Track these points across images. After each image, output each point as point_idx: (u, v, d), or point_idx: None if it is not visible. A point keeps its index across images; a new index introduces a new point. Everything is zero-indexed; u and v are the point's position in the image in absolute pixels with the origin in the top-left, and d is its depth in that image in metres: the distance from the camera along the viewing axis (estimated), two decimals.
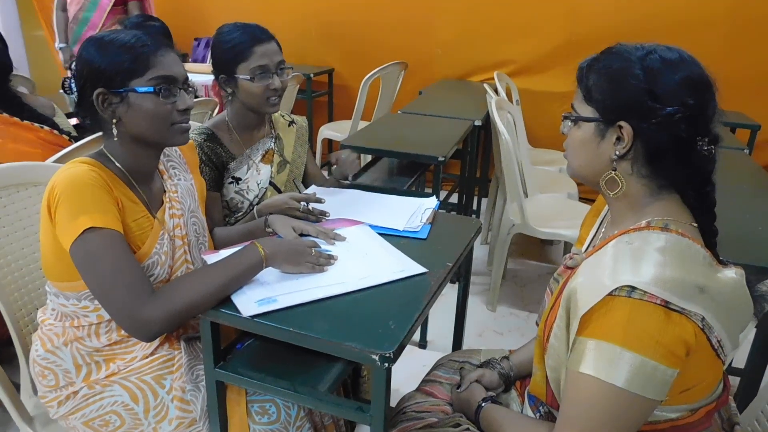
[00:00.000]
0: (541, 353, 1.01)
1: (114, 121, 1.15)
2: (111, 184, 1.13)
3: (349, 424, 1.40)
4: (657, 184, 0.92)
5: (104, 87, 1.12)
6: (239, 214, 1.64)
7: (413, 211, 1.54)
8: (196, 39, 4.26)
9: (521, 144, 2.79)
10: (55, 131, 1.88)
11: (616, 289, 0.82)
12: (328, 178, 1.77)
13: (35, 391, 1.35)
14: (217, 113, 2.89)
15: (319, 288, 1.14)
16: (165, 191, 1.29)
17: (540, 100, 3.56)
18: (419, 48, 3.88)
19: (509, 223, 2.51)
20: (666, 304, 0.80)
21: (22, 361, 1.37)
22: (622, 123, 0.89)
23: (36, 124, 1.83)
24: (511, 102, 3.27)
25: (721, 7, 3.25)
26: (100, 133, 1.69)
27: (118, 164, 1.19)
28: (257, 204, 1.65)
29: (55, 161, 1.60)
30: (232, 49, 1.52)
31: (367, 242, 1.36)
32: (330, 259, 1.24)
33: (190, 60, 3.76)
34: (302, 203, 1.47)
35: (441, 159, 2.12)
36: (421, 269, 1.23)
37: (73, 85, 1.18)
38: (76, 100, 1.18)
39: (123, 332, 1.22)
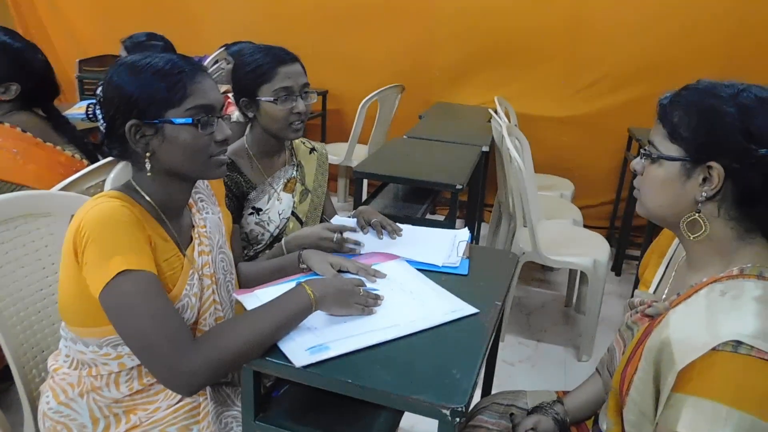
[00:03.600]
0: (617, 406, 0.95)
1: (147, 154, 1.06)
2: (143, 220, 1.04)
3: None
4: (745, 227, 0.88)
5: (138, 118, 1.03)
6: (259, 246, 1.56)
7: (448, 245, 1.48)
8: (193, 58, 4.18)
9: (529, 170, 2.77)
10: (77, 155, 1.81)
11: (720, 344, 0.77)
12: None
13: None
14: None
15: (372, 332, 1.07)
16: (193, 226, 1.20)
17: (538, 125, 3.56)
18: (416, 70, 3.86)
19: (519, 251, 2.47)
20: None
21: (26, 410, 1.26)
22: (713, 163, 0.85)
23: (57, 147, 1.78)
24: None
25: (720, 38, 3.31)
26: (110, 159, 1.62)
27: (148, 198, 1.10)
28: (276, 235, 1.57)
29: (63, 188, 1.51)
30: (254, 70, 1.46)
31: (409, 279, 1.29)
32: (377, 299, 1.17)
33: None
34: (336, 234, 1.40)
35: (459, 186, 2.08)
36: (473, 309, 1.17)
37: (98, 112, 1.09)
38: (104, 130, 1.09)
39: (145, 381, 1.13)
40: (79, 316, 1.08)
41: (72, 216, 1.34)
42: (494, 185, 3.16)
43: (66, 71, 4.46)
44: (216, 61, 3.92)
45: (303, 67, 1.52)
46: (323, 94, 4.09)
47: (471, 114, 3.55)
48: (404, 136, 2.88)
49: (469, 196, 2.86)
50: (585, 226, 2.88)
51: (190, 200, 1.23)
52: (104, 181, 1.59)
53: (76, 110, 2.68)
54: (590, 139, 3.58)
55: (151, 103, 1.03)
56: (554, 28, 3.51)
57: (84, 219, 0.99)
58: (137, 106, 1.03)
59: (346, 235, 1.42)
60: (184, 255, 1.14)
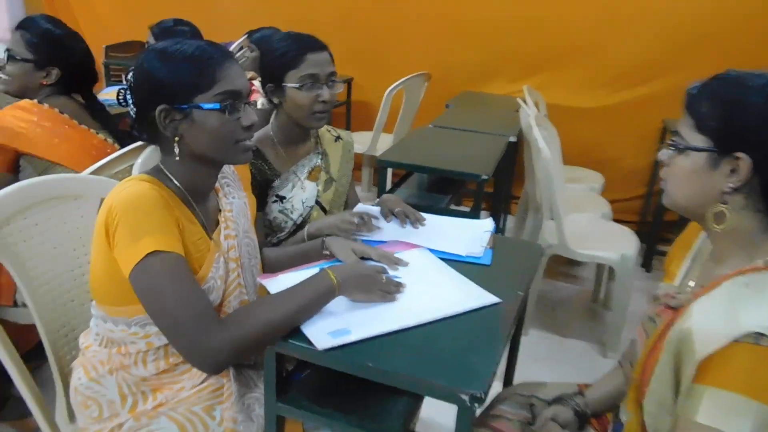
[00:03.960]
0: (636, 397, 0.97)
1: (176, 138, 1.11)
2: (171, 202, 1.10)
3: None
4: None
5: (167, 103, 1.08)
6: (282, 234, 1.61)
7: (471, 235, 1.50)
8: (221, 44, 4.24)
9: (557, 162, 2.77)
10: (109, 140, 1.89)
11: (741, 335, 0.79)
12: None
13: (72, 417, 1.30)
14: None
15: (393, 319, 1.10)
16: (220, 210, 1.25)
17: (568, 116, 3.54)
18: (444, 58, 3.87)
19: (545, 244, 2.48)
20: None
21: (58, 386, 1.33)
22: (740, 154, 0.86)
23: (92, 131, 1.86)
24: None
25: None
26: (138, 144, 1.68)
27: (176, 182, 1.15)
28: (300, 223, 1.61)
29: (93, 172, 1.57)
30: (282, 56, 1.50)
31: (431, 268, 1.32)
32: (399, 286, 1.20)
33: None
34: (357, 218, 1.44)
35: (485, 177, 2.10)
36: (494, 299, 1.19)
37: (129, 97, 1.15)
38: (134, 115, 1.15)
39: (171, 360, 1.18)
40: (109, 295, 1.13)
41: (102, 199, 1.41)
42: (521, 176, 3.16)
43: (96, 58, 4.56)
44: (240, 48, 3.98)
45: (331, 56, 1.55)
46: (348, 82, 4.12)
47: (499, 103, 3.55)
48: (430, 125, 2.90)
49: (495, 187, 2.87)
50: (614, 220, 2.87)
51: (217, 185, 1.27)
52: (132, 165, 1.66)
53: (103, 96, 2.76)
54: (622, 130, 3.55)
55: (180, 89, 1.07)
56: (586, 15, 3.48)
57: (115, 201, 1.04)
58: (167, 91, 1.08)
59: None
60: (211, 238, 1.19)
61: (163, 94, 1.08)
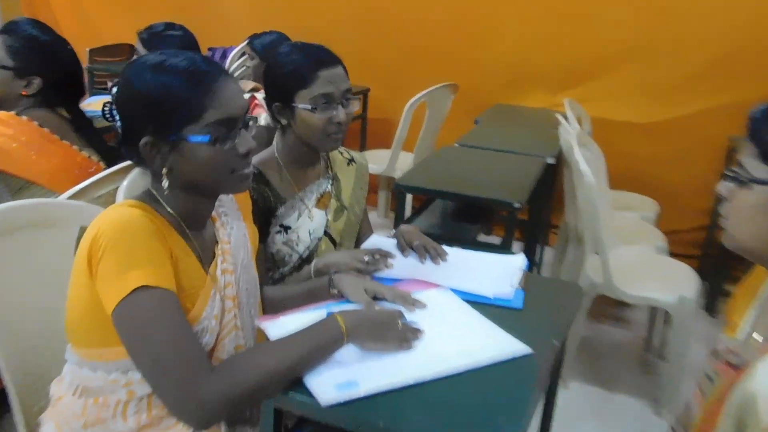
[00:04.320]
0: None
1: (164, 170, 1.14)
2: (164, 232, 1.13)
3: None
4: None
5: (152, 134, 1.11)
6: (285, 269, 1.63)
7: (500, 273, 1.51)
8: (210, 49, 4.33)
9: (602, 186, 2.77)
10: (94, 157, 1.93)
11: None
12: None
13: None
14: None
15: (408, 370, 1.11)
16: (217, 241, 1.28)
17: (616, 133, 3.55)
18: (470, 67, 3.91)
19: (587, 282, 2.47)
20: None
21: None
22: None
23: (74, 147, 1.90)
24: None
25: None
26: (128, 163, 1.72)
27: (169, 209, 1.18)
28: (306, 257, 1.63)
29: (72, 196, 1.60)
30: (292, 73, 1.53)
31: (453, 311, 1.33)
32: (417, 333, 1.21)
33: None
34: (367, 256, 1.46)
35: (518, 205, 2.10)
36: (526, 349, 1.20)
37: (115, 113, 1.18)
38: (120, 135, 1.18)
39: (155, 413, 1.19)
40: (88, 336, 1.16)
41: (81, 228, 1.45)
42: (561, 203, 3.15)
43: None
44: (242, 54, 4.07)
45: (345, 71, 1.59)
46: (364, 94, 4.18)
47: (535, 118, 3.56)
48: (455, 144, 2.92)
49: (530, 215, 2.87)
50: (671, 254, 2.85)
51: (214, 213, 1.30)
52: (117, 189, 1.69)
53: (87, 106, 2.83)
54: (680, 150, 3.53)
55: (166, 119, 1.10)
56: (638, 14, 3.49)
57: (102, 227, 1.07)
58: (152, 120, 1.11)
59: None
60: (207, 272, 1.21)
61: (148, 123, 1.11)
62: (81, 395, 1.21)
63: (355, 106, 1.62)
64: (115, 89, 1.17)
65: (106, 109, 1.18)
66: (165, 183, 1.14)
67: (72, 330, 1.19)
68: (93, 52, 4.60)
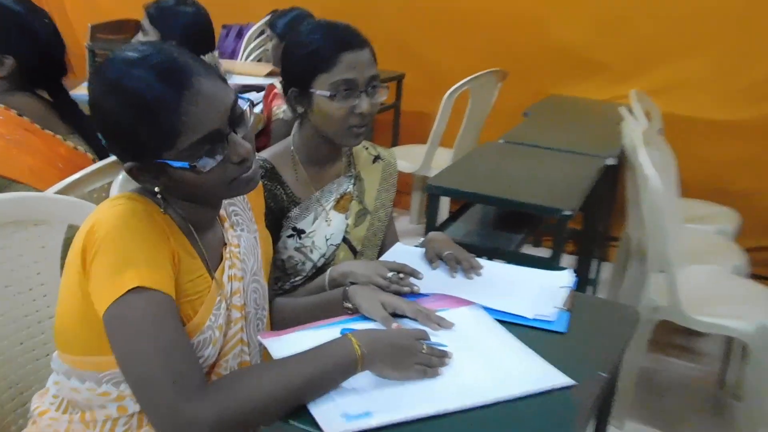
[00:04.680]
0: None
1: (156, 190, 1.17)
2: (168, 230, 1.16)
3: None
4: None
5: (134, 160, 1.14)
6: (297, 279, 1.65)
7: (543, 290, 1.51)
8: (224, 26, 4.40)
9: (671, 194, 2.74)
10: (80, 148, 1.94)
11: None
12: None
13: None
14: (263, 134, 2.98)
15: (429, 399, 1.12)
16: (225, 244, 1.31)
17: (691, 132, 3.51)
18: (521, 49, 3.91)
19: (651, 305, 2.44)
20: None
21: None
22: None
23: (58, 136, 1.90)
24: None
25: None
26: None
27: (172, 207, 1.21)
28: (321, 266, 1.66)
29: (60, 191, 1.64)
30: (310, 55, 1.55)
31: (484, 333, 1.34)
32: (443, 357, 1.22)
33: (217, 53, 3.88)
34: (391, 273, 1.47)
35: (568, 213, 2.10)
36: (566, 380, 1.20)
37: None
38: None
39: None
40: (78, 341, 1.19)
41: (69, 226, 1.49)
42: (622, 212, 3.13)
43: (79, 40, 4.80)
44: (261, 32, 4.13)
45: (373, 55, 1.60)
46: (397, 81, 4.20)
47: (595, 112, 3.55)
48: (500, 141, 2.93)
49: (585, 225, 2.86)
50: (752, 276, 2.81)
51: (223, 212, 1.34)
52: (111, 183, 1.73)
53: (83, 90, 2.90)
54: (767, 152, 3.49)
55: (139, 146, 1.11)
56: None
57: (98, 221, 1.11)
58: (127, 147, 1.14)
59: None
60: (213, 277, 1.24)
61: (127, 149, 1.14)
62: (66, 410, 1.24)
63: (383, 96, 1.63)
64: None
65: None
66: (160, 202, 1.18)
67: (62, 335, 1.22)
68: (95, 28, 4.71)
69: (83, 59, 4.68)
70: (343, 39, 1.55)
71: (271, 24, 3.26)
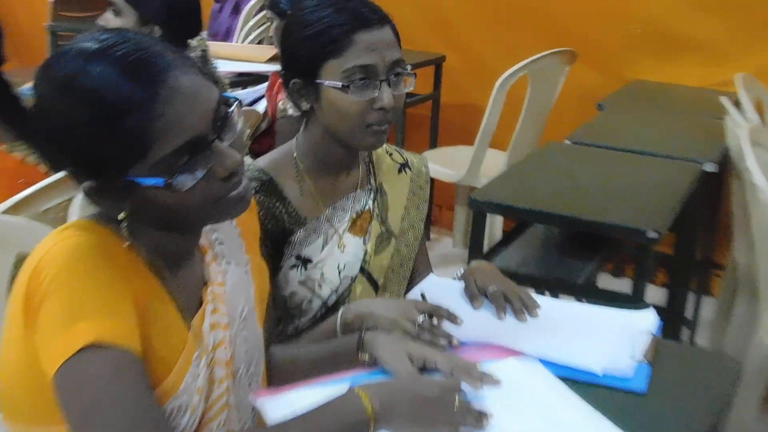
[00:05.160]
0: None
1: (121, 215, 1.17)
2: (130, 268, 1.17)
3: None
4: None
5: (92, 178, 1.13)
6: (303, 320, 1.66)
7: (616, 337, 1.49)
8: (217, 0, 4.45)
9: None
10: (30, 159, 1.96)
11: None
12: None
13: None
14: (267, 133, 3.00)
15: None
16: (206, 282, 1.31)
17: None
18: (596, 26, 3.91)
19: (765, 352, 2.41)
20: None
21: None
22: None
23: (2, 148, 1.93)
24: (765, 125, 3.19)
25: None
26: None
27: (139, 236, 1.22)
28: (332, 304, 1.66)
29: (7, 211, 1.67)
30: (317, 35, 1.56)
31: (540, 392, 1.33)
32: (482, 418, 1.21)
33: (206, 35, 3.92)
34: (421, 316, 1.46)
35: (653, 235, 2.07)
36: None
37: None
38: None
39: None
40: (25, 407, 1.20)
41: (17, 255, 1.51)
42: (727, 232, 3.09)
43: (39, 17, 4.89)
44: (263, 7, 4.17)
45: (396, 33, 1.61)
46: (436, 65, 4.20)
47: (690, 103, 3.53)
48: (566, 141, 2.92)
49: (678, 249, 2.83)
50: None
51: (203, 241, 1.34)
52: (71, 200, 1.75)
53: None
54: None
55: (101, 161, 1.11)
56: None
57: (43, 260, 1.11)
58: (85, 162, 1.13)
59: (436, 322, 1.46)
60: (189, 326, 1.24)
61: (85, 167, 1.14)
62: None
63: (409, 85, 1.63)
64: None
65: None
66: (124, 232, 1.17)
67: (4, 398, 1.23)
68: (58, 4, 4.80)
69: (43, 42, 4.77)
70: (358, 15, 1.56)
71: (271, 3, 3.25)
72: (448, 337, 1.44)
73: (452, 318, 1.48)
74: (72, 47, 1.13)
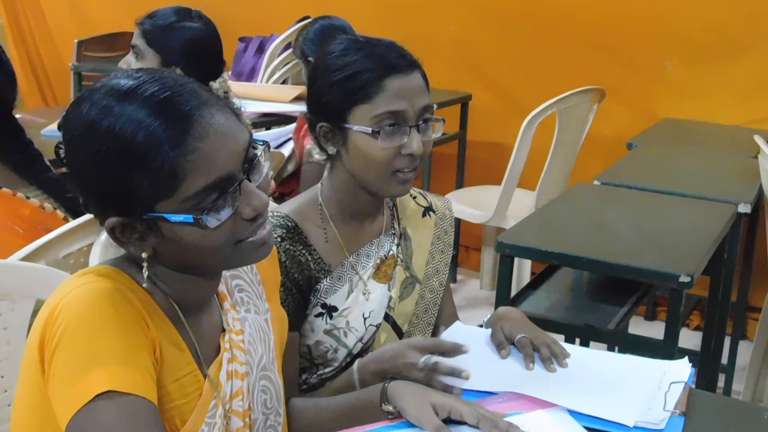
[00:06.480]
0: None
1: (144, 255, 1.18)
2: (147, 315, 1.17)
3: None
4: None
5: (118, 214, 1.15)
6: (328, 370, 1.65)
7: (648, 388, 1.48)
8: (241, 39, 4.49)
9: None
10: (48, 205, 1.97)
11: None
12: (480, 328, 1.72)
13: None
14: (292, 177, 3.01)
15: None
16: (224, 330, 1.31)
17: None
18: (624, 60, 3.93)
19: None
20: None
21: None
22: None
23: (18, 194, 1.92)
24: None
25: None
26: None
27: (157, 280, 1.22)
28: (358, 352, 1.66)
29: (26, 257, 1.67)
30: (346, 80, 1.57)
31: None
32: None
33: (230, 75, 3.95)
34: (427, 355, 1.42)
35: (685, 279, 2.05)
36: None
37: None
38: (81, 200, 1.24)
39: None
40: None
41: (36, 302, 1.52)
42: (764, 275, 3.06)
43: (63, 58, 4.96)
44: (287, 46, 4.20)
45: (425, 78, 1.61)
46: (463, 103, 4.21)
47: (724, 142, 3.52)
48: (596, 182, 2.91)
49: (712, 291, 2.80)
50: None
51: (222, 288, 1.34)
52: (91, 245, 1.76)
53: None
54: None
55: (128, 198, 1.13)
56: None
57: (59, 308, 1.11)
58: (110, 199, 1.15)
59: (452, 361, 1.42)
60: (206, 375, 1.24)
61: (110, 203, 1.15)
62: None
63: (438, 132, 1.65)
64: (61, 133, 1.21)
65: (61, 152, 1.22)
66: (145, 272, 1.18)
67: None
68: (83, 44, 4.86)
69: (68, 83, 4.83)
70: (388, 60, 1.57)
71: (301, 50, 3.22)
72: (454, 372, 1.41)
73: (456, 348, 1.43)
74: (105, 84, 1.16)
